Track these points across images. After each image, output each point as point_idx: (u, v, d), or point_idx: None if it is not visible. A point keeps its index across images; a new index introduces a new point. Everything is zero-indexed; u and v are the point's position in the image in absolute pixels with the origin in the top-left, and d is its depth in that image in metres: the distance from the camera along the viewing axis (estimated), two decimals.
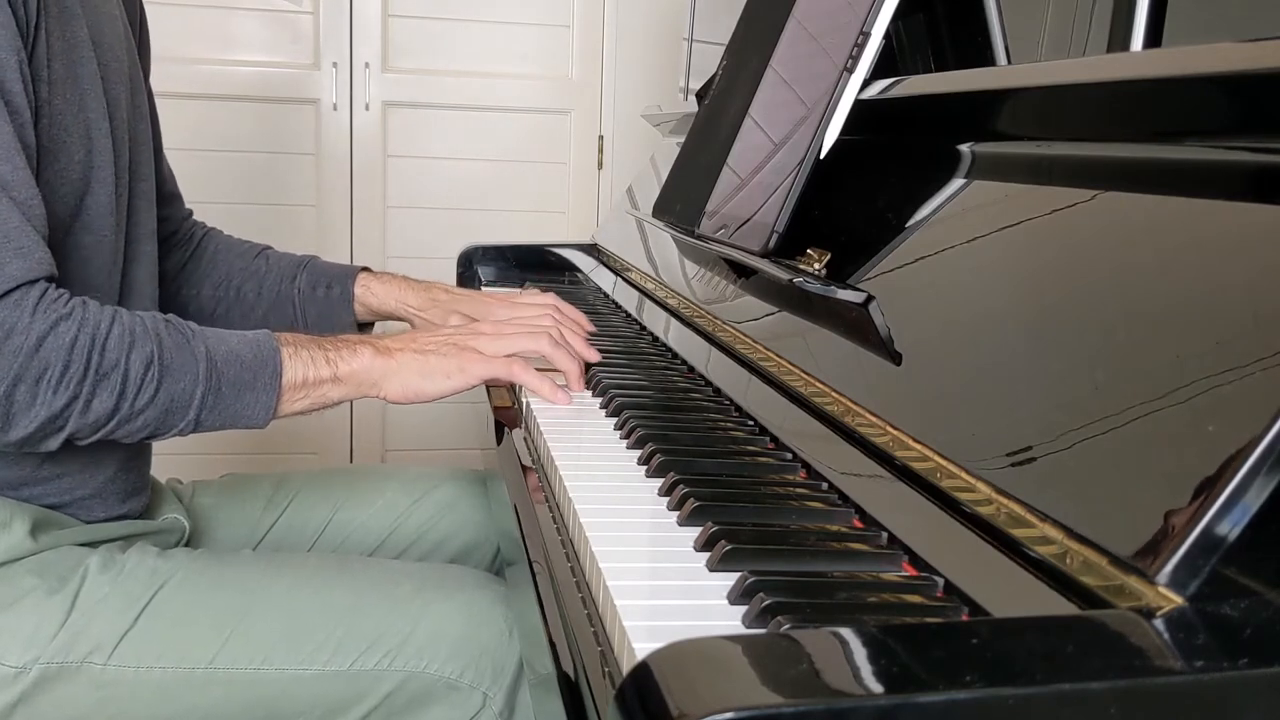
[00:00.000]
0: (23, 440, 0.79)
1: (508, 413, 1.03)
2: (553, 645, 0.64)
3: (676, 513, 0.69)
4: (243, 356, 0.85)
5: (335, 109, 2.23)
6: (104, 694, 0.85)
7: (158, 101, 1.12)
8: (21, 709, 0.84)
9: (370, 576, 0.95)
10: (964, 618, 0.54)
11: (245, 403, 0.85)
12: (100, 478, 0.93)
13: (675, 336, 1.16)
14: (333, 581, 0.93)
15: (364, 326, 1.22)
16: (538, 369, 0.98)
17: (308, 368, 0.89)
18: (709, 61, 1.55)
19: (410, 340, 0.95)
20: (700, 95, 1.64)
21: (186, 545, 1.03)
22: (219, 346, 0.85)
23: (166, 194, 1.17)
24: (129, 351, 0.80)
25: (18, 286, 0.76)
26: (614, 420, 0.91)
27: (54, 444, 0.80)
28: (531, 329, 1.00)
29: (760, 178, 1.01)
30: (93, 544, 0.92)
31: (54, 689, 0.84)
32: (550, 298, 1.16)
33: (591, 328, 1.17)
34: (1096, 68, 0.69)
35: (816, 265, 0.89)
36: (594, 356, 1.06)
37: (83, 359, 0.78)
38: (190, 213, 1.23)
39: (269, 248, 1.23)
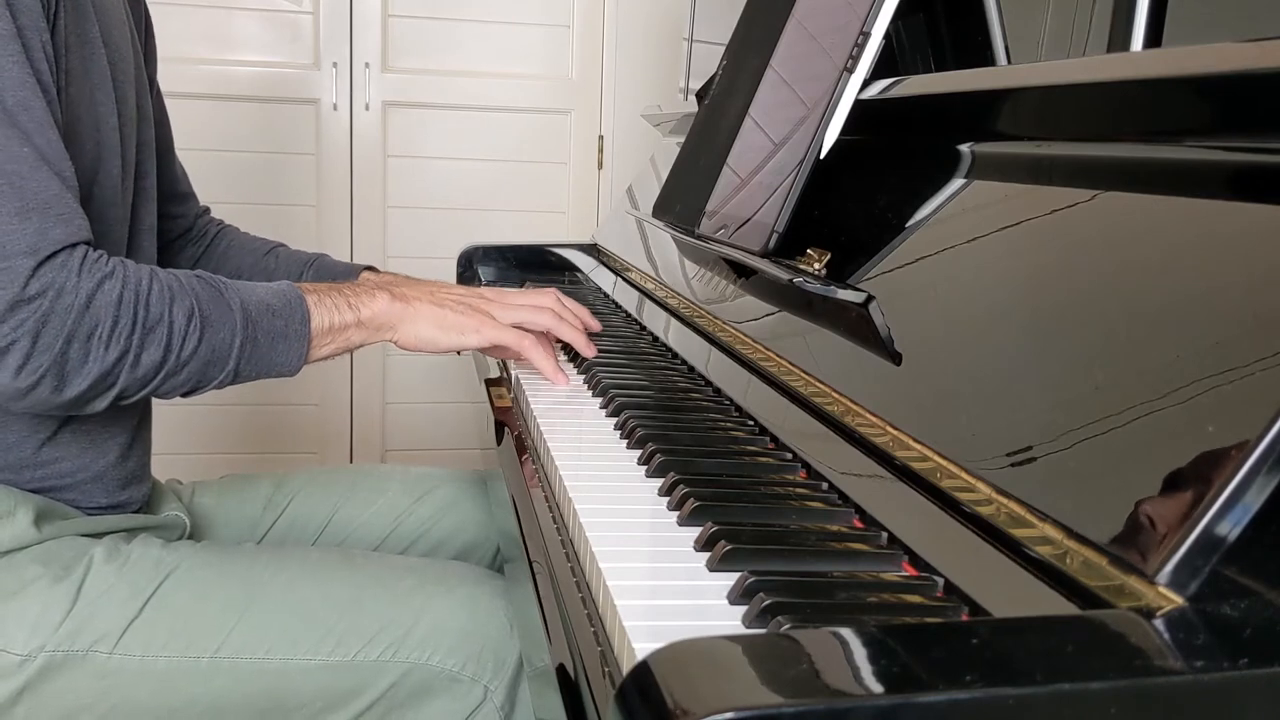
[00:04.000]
0: (77, 398, 0.80)
1: (508, 413, 1.03)
2: (552, 644, 0.64)
3: (676, 513, 0.69)
4: (273, 306, 0.88)
5: (335, 109, 2.23)
6: (108, 683, 0.85)
7: None
8: (26, 697, 0.84)
9: (372, 570, 0.96)
10: (964, 618, 0.54)
11: (279, 350, 0.88)
12: (101, 463, 0.94)
13: (675, 336, 1.16)
14: (336, 574, 0.94)
15: None
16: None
17: (332, 313, 0.92)
18: (709, 61, 1.55)
19: (426, 292, 0.99)
20: (700, 95, 1.64)
21: (189, 540, 1.03)
22: (250, 297, 0.88)
23: (180, 193, 1.20)
24: (171, 304, 0.82)
25: (61, 249, 0.78)
26: (614, 420, 0.91)
27: (104, 403, 0.82)
28: (536, 305, 1.04)
29: (760, 178, 1.02)
30: (96, 535, 0.92)
31: (59, 677, 0.85)
32: (551, 292, 1.16)
33: (595, 324, 1.17)
34: (1096, 68, 0.69)
35: (816, 265, 0.89)
36: (596, 325, 1.11)
37: (130, 314, 0.80)
38: (206, 210, 1.25)
39: (281, 245, 1.25)
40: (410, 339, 0.96)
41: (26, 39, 0.80)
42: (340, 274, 1.21)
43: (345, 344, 0.94)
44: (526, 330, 1.02)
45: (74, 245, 0.79)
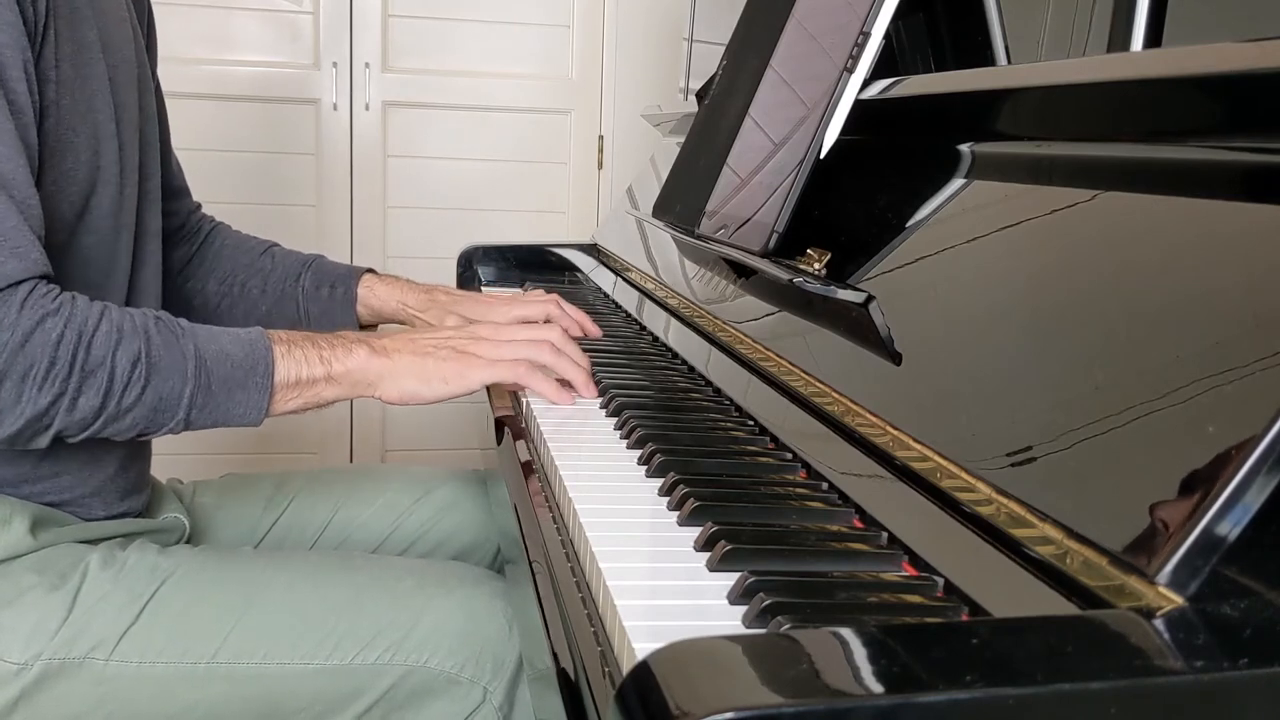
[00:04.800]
0: (11, 438, 0.78)
1: (508, 413, 1.03)
2: (552, 645, 0.64)
3: (676, 513, 0.69)
4: (233, 355, 0.84)
5: (335, 109, 2.23)
6: (106, 690, 0.85)
7: None
8: (23, 705, 0.84)
9: (370, 572, 0.96)
10: (964, 618, 0.54)
11: (236, 401, 0.84)
12: (100, 476, 0.94)
13: (675, 336, 1.16)
14: (333, 577, 0.94)
15: (366, 328, 1.22)
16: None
17: (301, 367, 0.87)
18: (709, 61, 1.55)
19: (408, 341, 0.93)
20: (700, 95, 1.64)
21: (187, 544, 1.03)
22: (209, 345, 0.84)
23: (175, 188, 1.18)
24: (115, 349, 0.79)
25: (9, 285, 0.76)
26: (614, 420, 0.91)
27: (43, 442, 0.80)
28: (532, 340, 0.97)
29: (760, 178, 1.01)
30: (93, 541, 0.92)
31: (56, 685, 0.84)
32: (552, 298, 1.16)
33: (596, 329, 1.17)
34: (1096, 68, 0.69)
35: (816, 265, 0.89)
36: (596, 331, 1.07)
37: (68, 356, 0.77)
38: (198, 206, 1.23)
39: (276, 244, 1.24)
40: (393, 394, 0.91)
41: (2, 58, 0.78)
42: (339, 276, 1.20)
43: (316, 398, 0.89)
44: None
45: (22, 281, 0.76)
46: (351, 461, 2.32)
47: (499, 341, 0.96)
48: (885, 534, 0.64)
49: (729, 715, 0.35)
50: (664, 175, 1.35)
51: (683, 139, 1.35)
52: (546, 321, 1.10)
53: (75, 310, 0.79)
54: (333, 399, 0.90)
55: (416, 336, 0.95)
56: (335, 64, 2.22)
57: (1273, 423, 0.44)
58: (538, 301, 1.14)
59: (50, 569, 0.87)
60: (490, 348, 0.95)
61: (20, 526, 0.87)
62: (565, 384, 0.98)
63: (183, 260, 1.19)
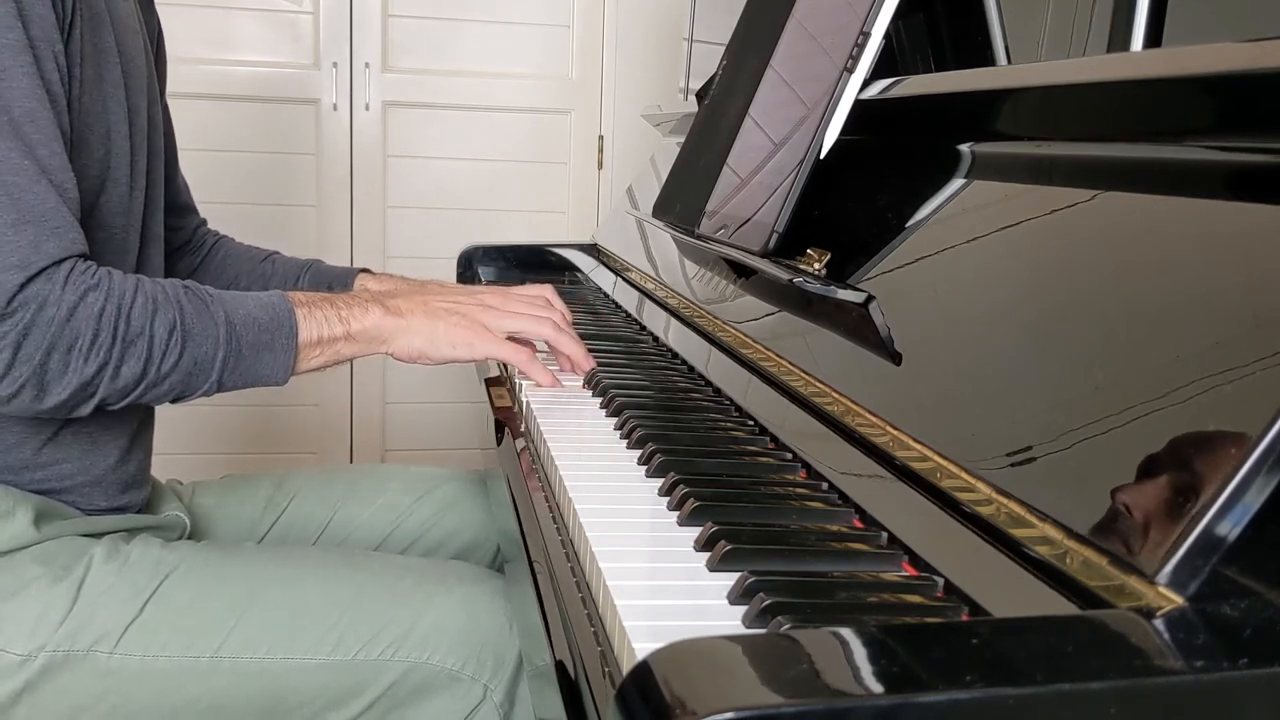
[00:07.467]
0: (58, 406, 0.81)
1: (508, 413, 1.03)
2: (552, 644, 0.64)
3: (676, 513, 0.69)
4: (259, 319, 0.89)
5: (335, 109, 2.23)
6: (109, 682, 0.86)
7: None
8: (27, 697, 0.84)
9: (372, 569, 0.96)
10: (964, 618, 0.54)
11: (264, 363, 0.89)
12: (101, 465, 0.94)
13: (675, 336, 1.16)
14: (336, 573, 0.94)
15: None
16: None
17: (321, 326, 0.92)
18: (709, 61, 1.55)
19: (421, 303, 0.98)
20: (700, 95, 1.64)
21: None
22: (237, 310, 0.88)
23: (182, 205, 1.21)
24: (153, 319, 0.83)
25: (52, 264, 0.79)
26: (614, 420, 0.91)
27: (86, 409, 0.83)
28: (536, 315, 1.03)
29: (760, 178, 1.02)
30: (95, 535, 0.92)
31: (59, 677, 0.85)
32: (546, 289, 1.16)
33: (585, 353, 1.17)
34: (1096, 68, 0.69)
35: (816, 265, 0.89)
36: (590, 362, 1.07)
37: (110, 327, 0.81)
38: (204, 221, 1.27)
39: (276, 253, 1.26)
40: (404, 351, 0.96)
41: (38, 50, 0.81)
42: (335, 276, 1.22)
43: (335, 356, 0.94)
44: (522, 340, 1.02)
45: (64, 259, 0.80)
46: (351, 461, 2.32)
47: (506, 312, 1.01)
48: (885, 534, 0.64)
49: (729, 715, 0.35)
50: (664, 175, 1.35)
51: (683, 139, 1.35)
52: None
53: (114, 284, 0.82)
54: (350, 356, 0.95)
55: (428, 298, 1.00)
56: (335, 64, 2.21)
57: (1273, 423, 0.44)
58: (531, 295, 1.15)
59: (54, 561, 0.88)
60: (497, 317, 1.00)
61: (24, 518, 0.88)
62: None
63: (188, 270, 1.22)
